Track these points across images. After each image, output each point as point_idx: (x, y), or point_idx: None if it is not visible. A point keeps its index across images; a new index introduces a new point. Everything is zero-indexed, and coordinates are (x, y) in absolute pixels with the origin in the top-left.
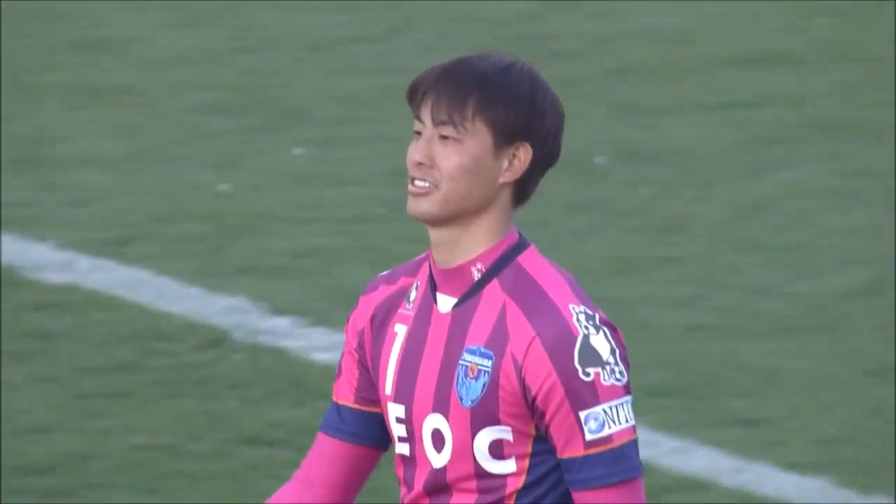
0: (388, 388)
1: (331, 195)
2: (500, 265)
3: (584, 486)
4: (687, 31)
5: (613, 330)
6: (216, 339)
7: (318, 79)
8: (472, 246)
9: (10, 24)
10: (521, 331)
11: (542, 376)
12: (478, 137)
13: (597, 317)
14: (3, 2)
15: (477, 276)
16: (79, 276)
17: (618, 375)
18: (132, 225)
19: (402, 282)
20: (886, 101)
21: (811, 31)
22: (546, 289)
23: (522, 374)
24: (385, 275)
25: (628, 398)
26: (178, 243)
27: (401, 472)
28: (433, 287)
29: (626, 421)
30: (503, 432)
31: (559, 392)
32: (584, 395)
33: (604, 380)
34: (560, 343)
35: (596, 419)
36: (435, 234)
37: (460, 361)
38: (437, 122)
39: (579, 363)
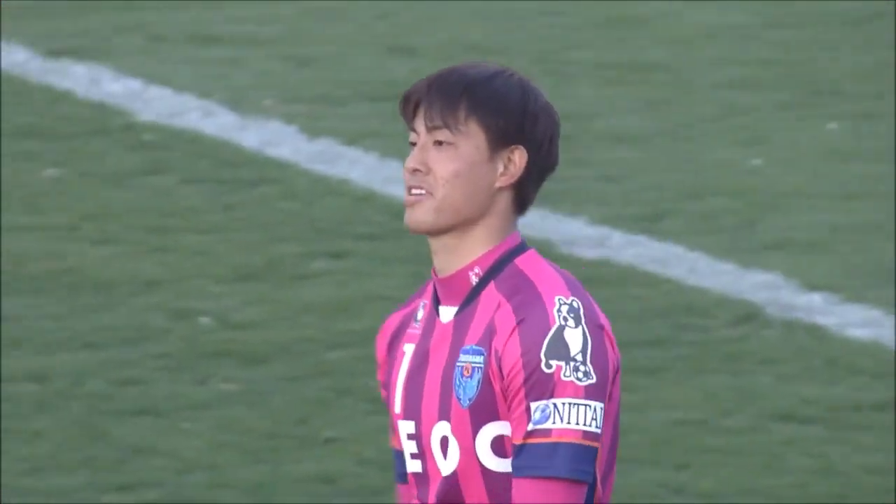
0: (398, 406)
1: (865, 170)
2: (497, 268)
3: (516, 474)
4: None
5: (602, 332)
6: (748, 315)
7: (851, 54)
8: (470, 252)
9: (539, 3)
10: (506, 322)
11: (511, 362)
12: (472, 141)
13: (582, 312)
14: None
15: (475, 280)
16: (612, 252)
17: (581, 375)
18: (663, 201)
19: (412, 304)
20: None
21: None
22: (536, 282)
23: (500, 362)
24: (401, 304)
25: (590, 403)
26: (709, 219)
27: (415, 492)
28: (436, 301)
29: (577, 423)
30: (503, 427)
31: (519, 379)
32: (538, 386)
33: (564, 375)
34: (533, 331)
35: (543, 411)
36: (434, 242)
37: (457, 363)
38: (430, 128)
39: (545, 353)
